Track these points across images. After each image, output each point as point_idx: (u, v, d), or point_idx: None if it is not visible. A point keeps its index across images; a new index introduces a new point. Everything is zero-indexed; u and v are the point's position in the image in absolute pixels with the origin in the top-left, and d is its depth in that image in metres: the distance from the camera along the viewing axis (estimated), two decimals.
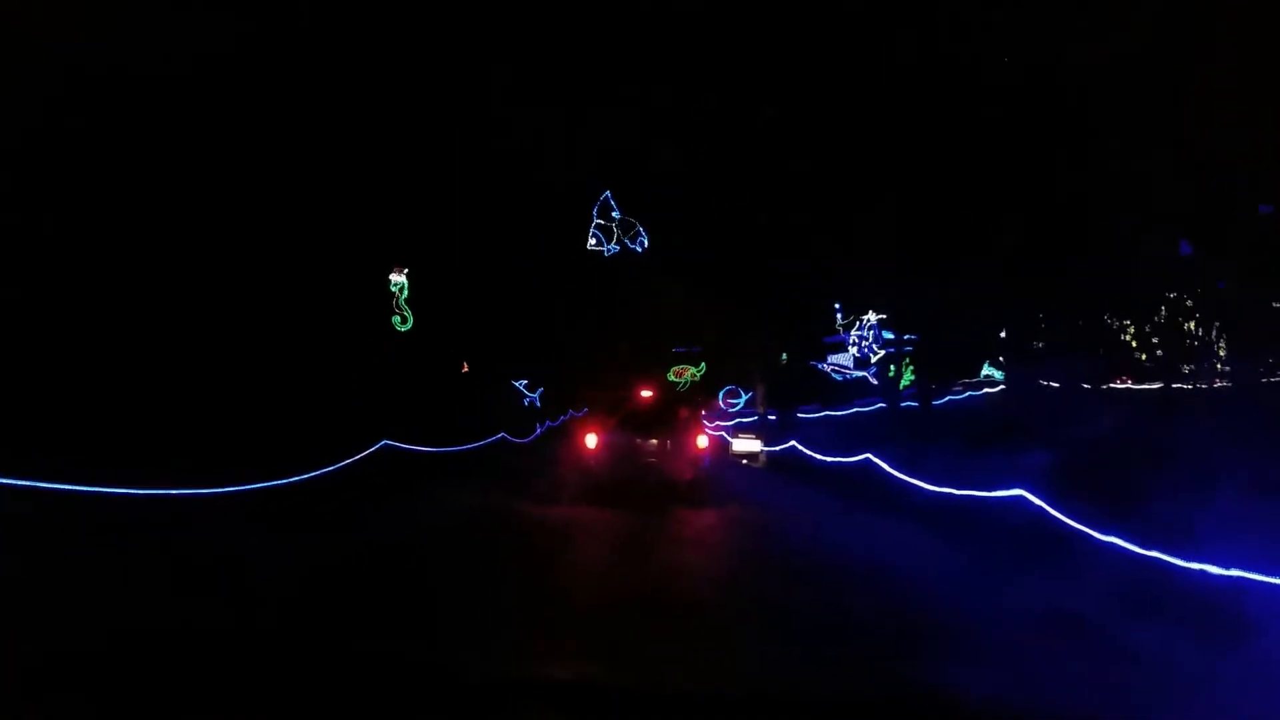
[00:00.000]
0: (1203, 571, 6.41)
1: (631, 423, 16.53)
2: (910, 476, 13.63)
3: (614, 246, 27.90)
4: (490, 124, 27.14)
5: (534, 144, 28.13)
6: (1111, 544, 7.75)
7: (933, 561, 9.61)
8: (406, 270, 30.84)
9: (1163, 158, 24.33)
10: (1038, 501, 9.46)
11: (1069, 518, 8.68)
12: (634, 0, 25.97)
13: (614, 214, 28.05)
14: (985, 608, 7.47)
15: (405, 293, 31.39)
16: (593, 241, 28.01)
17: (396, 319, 31.34)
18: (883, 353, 36.16)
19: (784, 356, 38.10)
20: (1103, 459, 12.24)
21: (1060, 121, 25.49)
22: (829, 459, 19.33)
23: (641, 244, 27.96)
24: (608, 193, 28.00)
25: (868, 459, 16.06)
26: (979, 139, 26.17)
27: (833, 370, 40.63)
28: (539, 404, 50.10)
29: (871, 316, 36.28)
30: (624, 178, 29.32)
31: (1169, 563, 6.82)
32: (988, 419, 25.99)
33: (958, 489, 11.60)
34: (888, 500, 13.81)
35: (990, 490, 10.53)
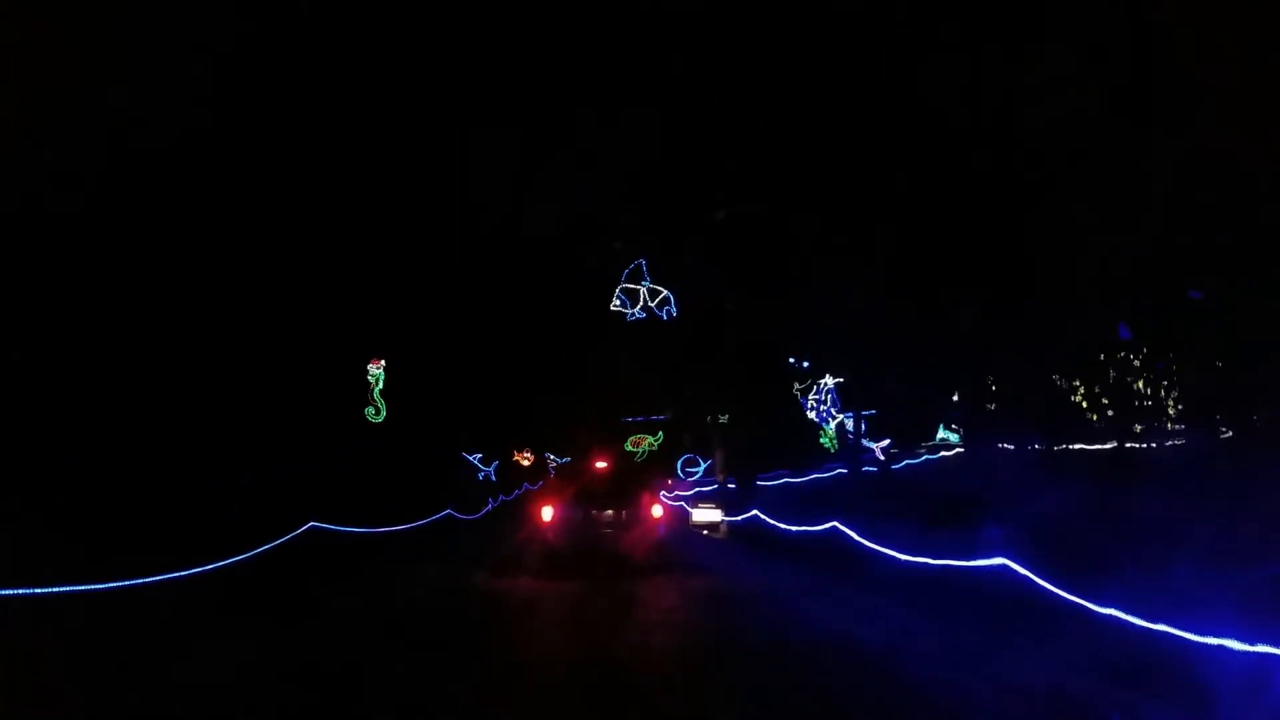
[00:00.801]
0: (1221, 647, 5.79)
1: (587, 494, 16.44)
2: (881, 545, 12.97)
3: (639, 312, 27.63)
4: (460, 193, 26.92)
5: (502, 212, 27.89)
6: (1112, 617, 7.12)
7: (915, 638, 8.91)
8: (384, 363, 30.25)
9: (1105, 240, 24.77)
10: (1023, 571, 8.83)
11: (1059, 588, 8.04)
12: (604, 60, 25.93)
13: (645, 281, 27.85)
14: (977, 689, 6.78)
15: (380, 384, 30.65)
16: (616, 304, 27.71)
17: (370, 410, 30.50)
18: (841, 416, 35.78)
19: (724, 418, 37.48)
20: (1082, 524, 11.69)
21: (1011, 192, 25.83)
22: (794, 528, 18.63)
23: (669, 312, 27.77)
24: (642, 260, 27.99)
25: (834, 527, 15.38)
26: (935, 208, 26.42)
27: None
28: (494, 478, 48.97)
29: (829, 380, 35.95)
30: (587, 240, 29.08)
31: (1182, 637, 6.19)
32: (950, 483, 25.53)
33: (934, 558, 10.95)
34: (860, 572, 13.10)
35: (969, 559, 9.88)
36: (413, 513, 17.28)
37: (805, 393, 36.97)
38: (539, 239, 29.38)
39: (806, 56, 25.69)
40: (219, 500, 12.90)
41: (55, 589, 8.40)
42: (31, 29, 12.94)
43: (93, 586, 8.77)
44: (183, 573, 9.56)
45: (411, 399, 29.42)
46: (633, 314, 27.50)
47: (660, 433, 47.76)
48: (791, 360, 36.36)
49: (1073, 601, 7.70)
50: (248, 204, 18.30)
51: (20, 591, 8.08)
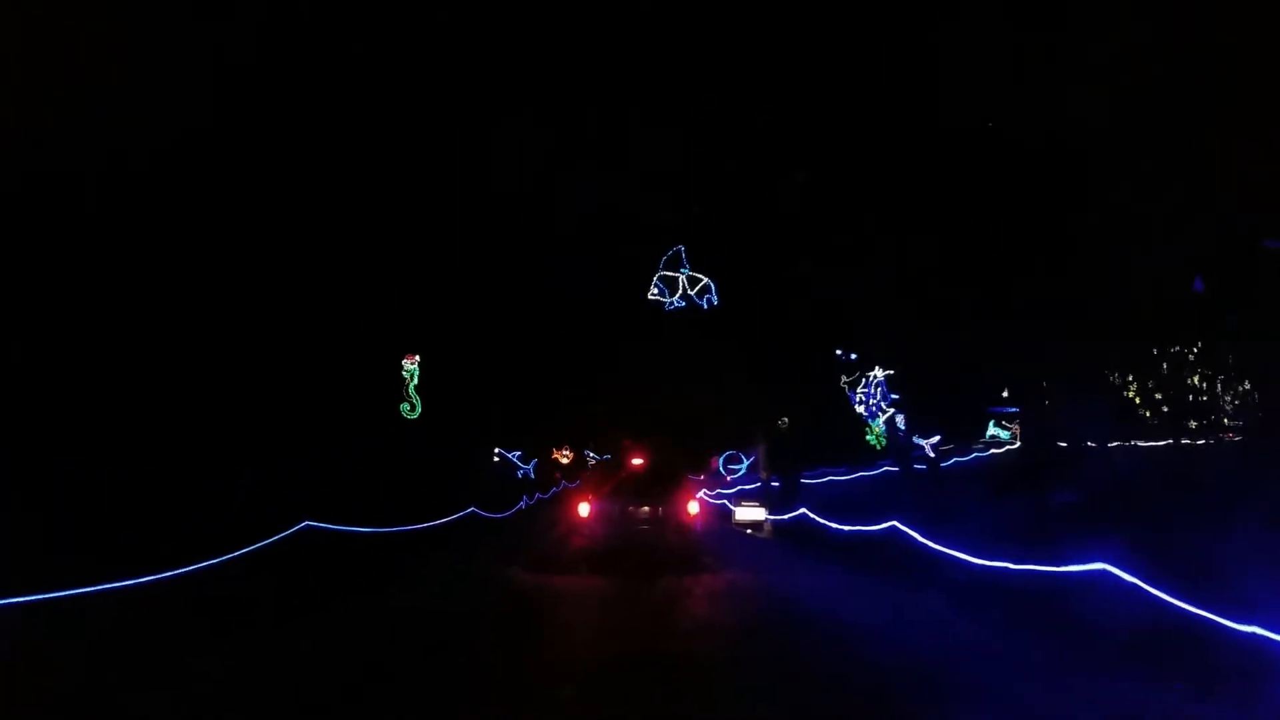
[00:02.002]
0: None
1: (624, 491, 16.45)
2: (950, 548, 11.72)
3: (678, 301, 26.34)
4: (493, 185, 26.19)
5: (536, 206, 27.03)
6: (1256, 636, 5.88)
7: (1015, 665, 7.55)
8: (418, 358, 29.59)
9: (1170, 198, 23.68)
10: (1129, 578, 7.57)
11: (1182, 600, 6.79)
12: (638, 48, 24.95)
13: (684, 268, 26.56)
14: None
15: (415, 379, 29.94)
16: (654, 292, 26.44)
17: (405, 406, 29.77)
18: (890, 411, 34.36)
19: (784, 420, 36.19)
20: (1178, 526, 10.37)
21: (1066, 167, 24.81)
22: (846, 527, 17.43)
23: (709, 301, 26.44)
24: (681, 246, 26.70)
25: (894, 527, 14.16)
26: (989, 194, 25.45)
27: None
28: (533, 475, 48.42)
29: (879, 373, 34.51)
30: (622, 234, 27.99)
31: None
32: (1012, 481, 24.13)
33: (1015, 563, 9.71)
34: (927, 577, 11.83)
35: (1059, 564, 8.63)
36: (426, 512, 15.86)
37: (853, 386, 35.56)
38: (572, 231, 28.34)
39: (852, 33, 24.59)
40: (218, 500, 11.82)
41: (59, 594, 7.53)
42: (37, 26, 12.41)
43: (100, 587, 7.89)
44: (168, 573, 8.47)
45: (442, 394, 28.63)
46: (671, 303, 26.19)
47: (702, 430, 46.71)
48: (839, 352, 35.02)
49: (1202, 617, 6.43)
50: (274, 203, 17.86)
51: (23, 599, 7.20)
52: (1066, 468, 27.47)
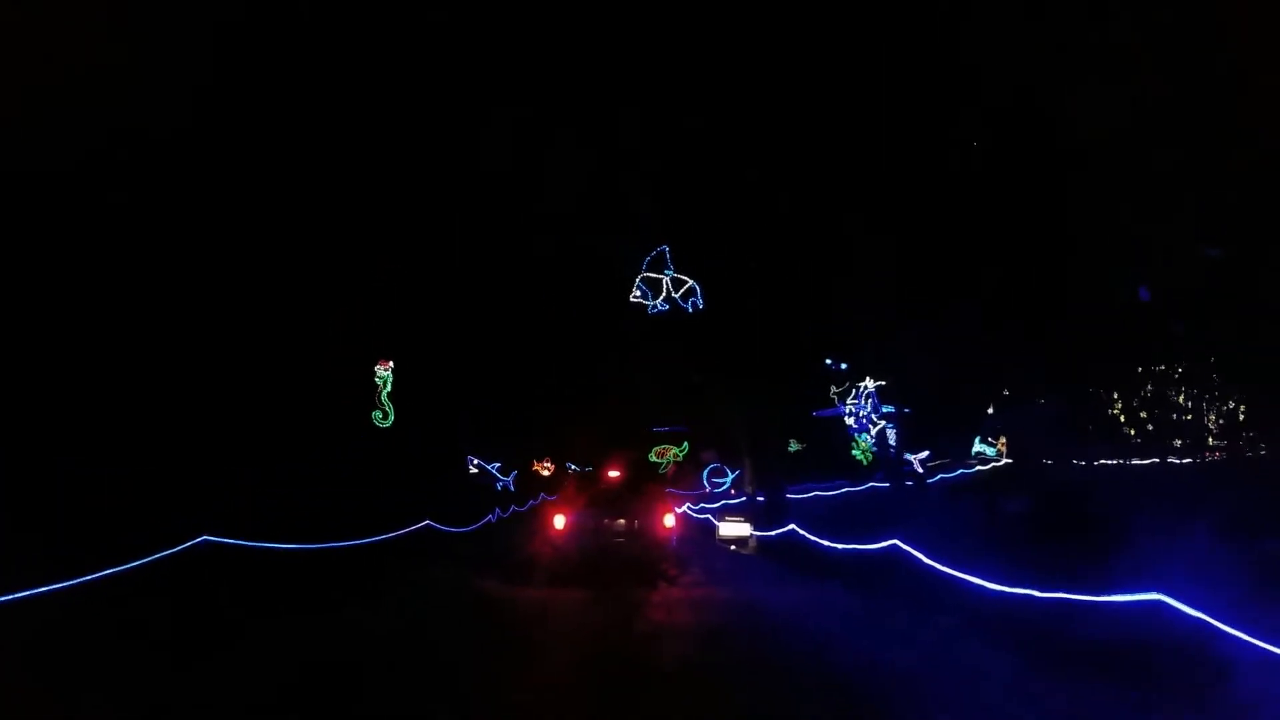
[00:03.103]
0: None
1: (599, 503, 16.35)
2: (961, 572, 10.62)
3: (662, 304, 25.35)
4: (469, 189, 25.35)
5: (513, 208, 26.13)
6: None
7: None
8: (392, 364, 28.49)
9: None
10: (1193, 612, 6.48)
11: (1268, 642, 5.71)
12: (608, 49, 24.05)
13: (668, 270, 25.57)
14: None
15: (389, 386, 28.72)
16: (637, 294, 25.47)
17: (378, 414, 28.49)
18: (882, 423, 33.36)
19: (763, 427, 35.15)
20: (1219, 549, 9.33)
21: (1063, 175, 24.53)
22: (840, 545, 16.37)
23: (695, 304, 25.45)
24: (665, 246, 25.72)
25: (894, 545, 13.05)
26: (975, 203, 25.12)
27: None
28: (513, 487, 47.56)
29: (869, 384, 33.48)
30: (603, 239, 26.99)
31: None
32: (1013, 497, 23.29)
33: (1041, 590, 8.61)
34: (938, 603, 10.71)
35: (1102, 593, 7.54)
36: (375, 521, 14.68)
37: (843, 397, 34.53)
38: (552, 236, 27.30)
39: (843, 40, 23.87)
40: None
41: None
42: (29, 21, 11.78)
43: None
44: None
45: (415, 401, 27.47)
46: (655, 306, 25.22)
47: (685, 443, 45.77)
48: (829, 361, 34.02)
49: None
50: (251, 202, 17.25)
51: None
52: (1029, 481, 27.54)
